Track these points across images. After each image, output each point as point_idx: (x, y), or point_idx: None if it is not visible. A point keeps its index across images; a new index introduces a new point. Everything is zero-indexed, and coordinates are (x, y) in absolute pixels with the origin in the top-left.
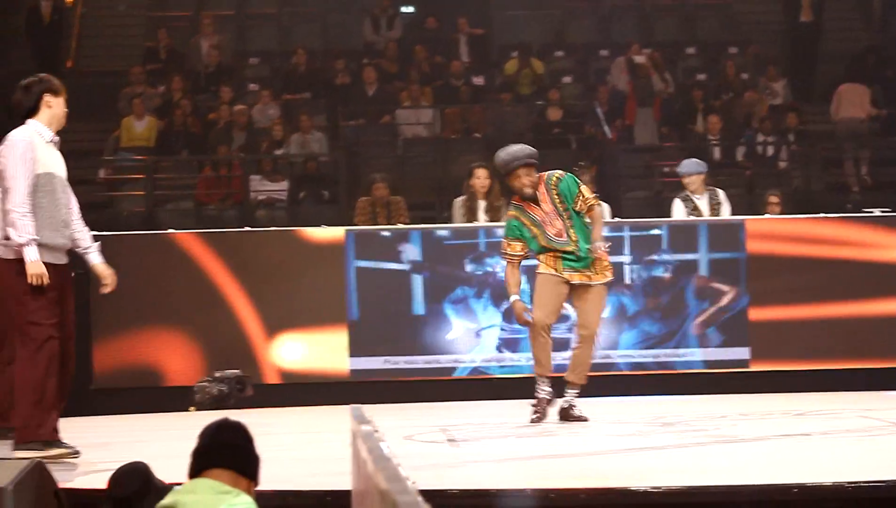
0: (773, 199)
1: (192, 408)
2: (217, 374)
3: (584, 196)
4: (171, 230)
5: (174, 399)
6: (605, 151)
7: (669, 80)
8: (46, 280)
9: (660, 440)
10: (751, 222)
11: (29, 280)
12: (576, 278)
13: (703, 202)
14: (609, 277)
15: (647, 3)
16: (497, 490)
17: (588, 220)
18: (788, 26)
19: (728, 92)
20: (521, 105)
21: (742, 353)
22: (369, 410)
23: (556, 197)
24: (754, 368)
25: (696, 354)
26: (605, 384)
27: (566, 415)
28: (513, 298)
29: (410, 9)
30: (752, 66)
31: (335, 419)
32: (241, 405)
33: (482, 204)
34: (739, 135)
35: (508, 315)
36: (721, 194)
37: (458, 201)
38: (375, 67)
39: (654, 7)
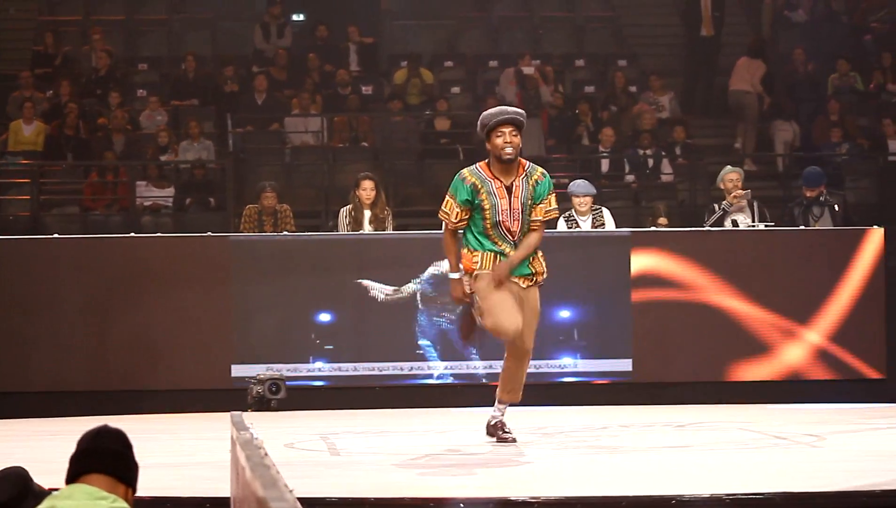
0: (661, 219)
1: (249, 409)
2: (259, 376)
3: (550, 206)
4: (56, 235)
5: (55, 404)
6: None
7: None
8: None
9: (539, 451)
10: (637, 234)
11: None
12: (517, 278)
13: (586, 224)
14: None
15: (537, 15)
16: (376, 498)
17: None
18: (687, 40)
19: (616, 105)
20: (409, 115)
21: (625, 365)
22: (250, 417)
23: (529, 193)
24: (636, 380)
25: (578, 365)
26: (487, 394)
27: (494, 433)
28: (455, 275)
29: (301, 17)
30: (640, 79)
31: (216, 426)
32: (281, 406)
33: (367, 214)
34: (626, 148)
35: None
36: (606, 213)
37: (344, 211)
38: (265, 74)
39: (543, 19)
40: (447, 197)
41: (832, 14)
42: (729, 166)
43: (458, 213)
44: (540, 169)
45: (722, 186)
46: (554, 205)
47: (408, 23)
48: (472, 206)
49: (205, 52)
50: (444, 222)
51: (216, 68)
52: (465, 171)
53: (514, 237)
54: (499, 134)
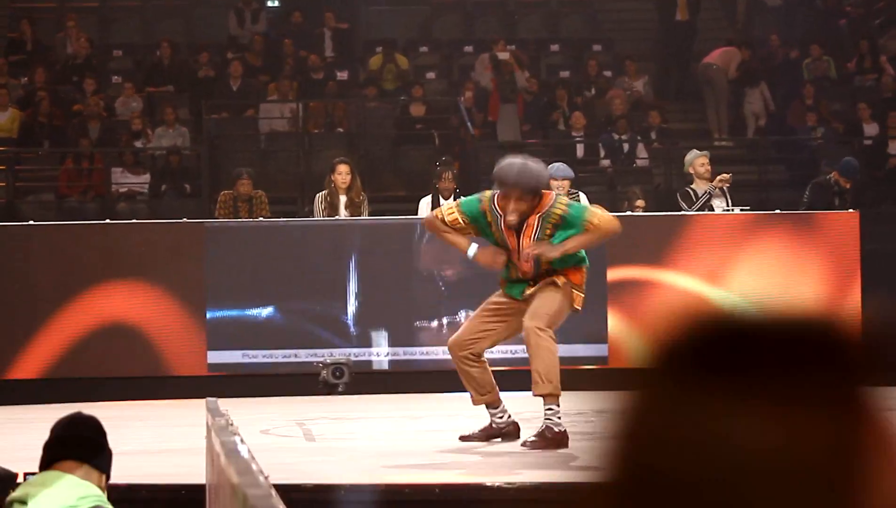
0: (639, 201)
1: (319, 392)
2: (324, 360)
3: (593, 217)
4: (31, 222)
5: (29, 391)
6: (468, 148)
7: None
8: None
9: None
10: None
11: None
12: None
13: None
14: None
15: (512, 1)
16: (351, 484)
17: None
18: (662, 25)
19: (591, 89)
20: (384, 100)
21: (601, 350)
22: (226, 404)
23: (546, 231)
24: (613, 365)
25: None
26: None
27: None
28: (472, 249)
29: (276, 2)
30: (616, 64)
31: (192, 413)
32: (347, 390)
33: (343, 199)
34: (602, 132)
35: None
36: (583, 197)
37: (320, 196)
38: (240, 60)
39: (518, 4)
40: (452, 205)
41: None
42: (696, 151)
43: (458, 219)
44: (564, 201)
45: (691, 171)
46: (597, 211)
47: (383, 8)
48: (478, 229)
49: (179, 39)
50: (439, 227)
51: (191, 55)
52: (487, 193)
53: (527, 277)
54: (504, 198)
